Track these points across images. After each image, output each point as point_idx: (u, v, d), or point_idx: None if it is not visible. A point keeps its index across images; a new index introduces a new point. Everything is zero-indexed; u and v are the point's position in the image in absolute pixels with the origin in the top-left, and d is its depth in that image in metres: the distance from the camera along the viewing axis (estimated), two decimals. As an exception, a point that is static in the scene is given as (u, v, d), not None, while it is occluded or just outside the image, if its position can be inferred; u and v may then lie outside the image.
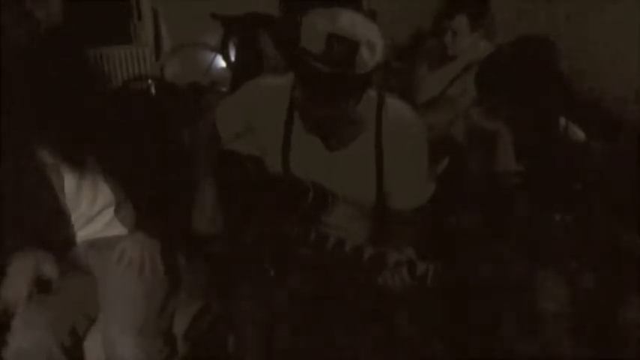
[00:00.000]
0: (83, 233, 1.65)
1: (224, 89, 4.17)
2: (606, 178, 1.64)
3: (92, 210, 1.63)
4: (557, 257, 1.56)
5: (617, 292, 1.50)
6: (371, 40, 1.33)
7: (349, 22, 1.32)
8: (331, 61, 1.30)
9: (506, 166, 1.65)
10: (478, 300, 1.57)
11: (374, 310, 1.49)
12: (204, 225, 1.62)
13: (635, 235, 1.51)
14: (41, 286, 1.52)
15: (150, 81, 4.32)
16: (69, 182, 1.58)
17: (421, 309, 1.48)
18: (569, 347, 1.50)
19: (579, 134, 1.73)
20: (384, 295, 1.41)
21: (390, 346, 1.47)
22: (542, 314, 1.51)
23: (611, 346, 1.49)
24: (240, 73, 3.90)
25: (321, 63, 1.30)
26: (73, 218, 1.61)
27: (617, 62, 2.86)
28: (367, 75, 1.36)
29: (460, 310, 1.57)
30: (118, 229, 1.66)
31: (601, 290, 1.51)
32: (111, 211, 1.64)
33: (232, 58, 4.27)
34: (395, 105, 1.54)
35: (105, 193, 1.62)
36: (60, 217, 1.60)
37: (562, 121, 1.69)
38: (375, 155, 1.50)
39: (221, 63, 4.42)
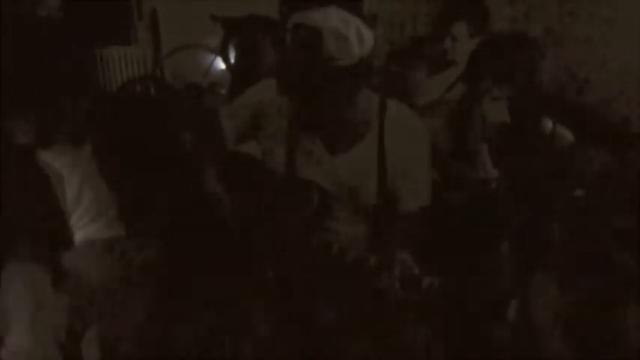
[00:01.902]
0: (82, 233, 1.65)
1: (223, 91, 4.17)
2: (603, 184, 1.64)
3: (92, 210, 1.63)
4: (553, 264, 1.57)
5: (613, 299, 1.50)
6: (341, 31, 1.32)
7: (323, 15, 1.32)
8: (296, 50, 1.31)
9: (484, 172, 1.66)
10: (475, 306, 1.57)
11: (376, 318, 1.49)
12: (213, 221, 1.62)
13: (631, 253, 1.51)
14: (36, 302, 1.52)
15: (149, 82, 4.32)
16: (70, 182, 1.58)
17: (422, 315, 1.49)
18: (565, 354, 1.50)
19: (568, 136, 1.73)
20: (386, 304, 1.41)
21: (392, 352, 1.48)
22: (538, 320, 1.52)
23: (606, 353, 1.49)
24: (239, 75, 3.90)
25: (289, 54, 1.33)
26: (73, 218, 1.62)
27: (619, 63, 2.87)
28: (345, 72, 1.35)
29: (458, 315, 1.57)
30: (118, 230, 1.66)
31: (597, 297, 1.51)
32: (111, 211, 1.65)
33: (232, 60, 4.27)
34: (397, 108, 1.54)
35: (105, 194, 1.62)
36: (59, 218, 1.60)
37: (548, 122, 1.70)
38: (377, 158, 1.51)
39: (221, 65, 4.42)
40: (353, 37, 1.34)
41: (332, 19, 1.33)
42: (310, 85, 1.36)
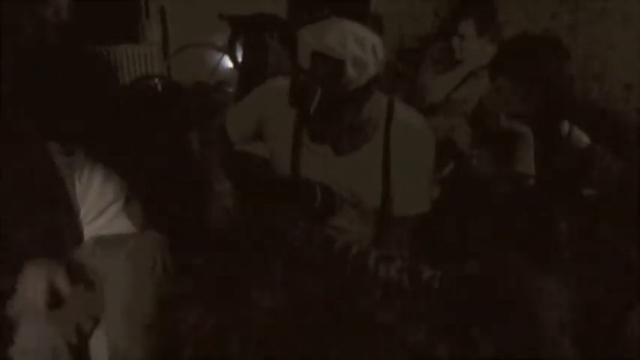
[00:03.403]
0: (90, 228, 1.66)
1: (230, 89, 4.18)
2: (615, 186, 1.63)
3: (100, 203, 1.63)
4: (561, 265, 1.57)
5: (621, 301, 1.50)
6: (361, 56, 1.33)
7: (338, 38, 1.32)
8: (316, 78, 1.32)
9: (525, 168, 1.65)
10: (481, 305, 1.57)
11: (376, 313, 1.49)
12: (219, 219, 1.62)
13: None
14: (53, 298, 1.49)
15: (156, 80, 4.33)
16: (80, 176, 1.58)
17: (425, 312, 1.48)
18: (573, 355, 1.50)
19: (584, 138, 1.72)
20: (388, 298, 1.41)
21: (393, 349, 1.47)
22: (546, 322, 1.51)
23: (614, 355, 1.48)
24: (246, 73, 3.91)
25: (309, 79, 1.33)
26: (82, 212, 1.62)
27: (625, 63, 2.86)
28: (360, 90, 1.36)
29: (463, 315, 1.57)
30: (125, 226, 1.66)
31: (605, 299, 1.51)
32: (119, 205, 1.64)
33: (239, 59, 4.28)
34: (404, 110, 1.54)
35: (113, 187, 1.62)
36: (69, 211, 1.60)
37: (565, 124, 1.69)
38: (382, 160, 1.51)
39: (228, 63, 4.43)
40: (370, 58, 1.34)
41: (349, 43, 1.32)
42: (325, 105, 1.37)
